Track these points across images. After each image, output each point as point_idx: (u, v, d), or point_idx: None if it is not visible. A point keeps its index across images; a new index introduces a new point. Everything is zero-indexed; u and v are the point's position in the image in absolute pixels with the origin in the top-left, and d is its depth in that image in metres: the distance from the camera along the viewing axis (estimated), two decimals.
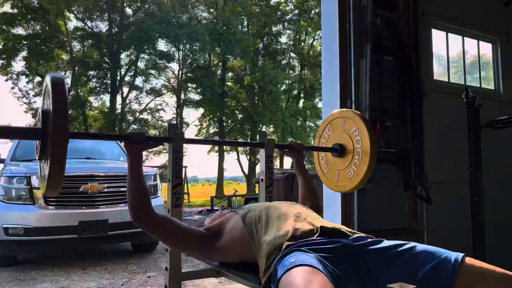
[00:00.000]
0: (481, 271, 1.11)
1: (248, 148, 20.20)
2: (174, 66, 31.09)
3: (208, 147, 23.73)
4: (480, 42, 4.13)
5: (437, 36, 3.76)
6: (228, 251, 1.47)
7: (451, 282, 1.09)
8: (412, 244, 1.22)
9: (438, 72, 3.88)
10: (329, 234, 1.28)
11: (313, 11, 23.32)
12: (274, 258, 1.20)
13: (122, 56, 21.81)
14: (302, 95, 24.54)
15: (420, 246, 1.20)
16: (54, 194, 1.25)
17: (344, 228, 1.33)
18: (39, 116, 1.28)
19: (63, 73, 20.15)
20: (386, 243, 1.25)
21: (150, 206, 1.47)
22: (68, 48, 20.75)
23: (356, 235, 1.29)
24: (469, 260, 1.13)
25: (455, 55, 4.15)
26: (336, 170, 2.01)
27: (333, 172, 2.04)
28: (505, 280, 1.09)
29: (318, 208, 1.87)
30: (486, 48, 4.24)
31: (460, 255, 1.14)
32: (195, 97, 23.00)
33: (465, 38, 4.02)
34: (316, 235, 1.26)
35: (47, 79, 1.25)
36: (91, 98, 21.84)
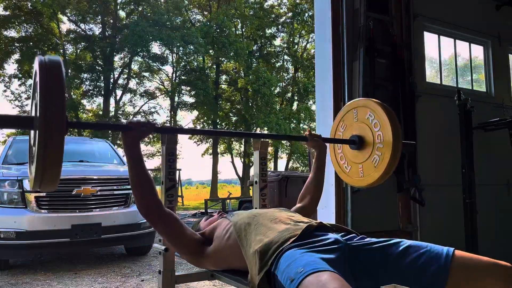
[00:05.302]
0: (471, 262, 1.15)
1: (242, 150, 20.06)
2: (168, 68, 31.07)
3: (202, 149, 23.69)
4: (472, 44, 4.17)
5: (429, 39, 3.79)
6: (216, 258, 1.47)
7: (445, 275, 1.12)
8: (398, 239, 1.25)
9: (431, 75, 3.91)
10: (320, 229, 1.31)
11: (306, 14, 23.42)
12: (271, 257, 1.19)
13: (116, 58, 21.81)
14: (295, 97, 24.61)
15: (408, 241, 1.23)
16: (51, 188, 1.12)
17: (331, 224, 1.36)
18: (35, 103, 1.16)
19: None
20: (373, 239, 1.27)
21: (158, 195, 1.44)
22: (61, 50, 20.64)
23: (346, 232, 1.33)
24: (459, 253, 1.17)
25: (447, 57, 4.19)
26: (358, 164, 1.83)
27: (356, 168, 1.86)
28: (493, 267, 1.13)
29: (315, 202, 1.84)
30: (478, 51, 4.28)
31: (450, 249, 1.17)
32: (189, 99, 23.04)
33: (457, 41, 4.05)
34: (310, 230, 1.28)
35: (36, 63, 1.12)
36: (84, 101, 21.77)
